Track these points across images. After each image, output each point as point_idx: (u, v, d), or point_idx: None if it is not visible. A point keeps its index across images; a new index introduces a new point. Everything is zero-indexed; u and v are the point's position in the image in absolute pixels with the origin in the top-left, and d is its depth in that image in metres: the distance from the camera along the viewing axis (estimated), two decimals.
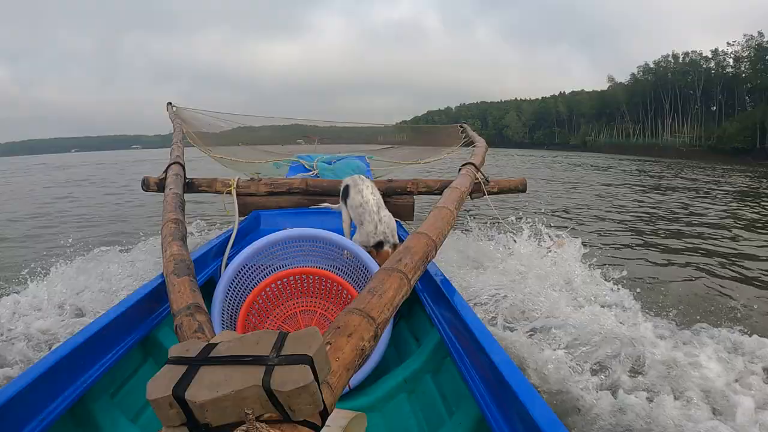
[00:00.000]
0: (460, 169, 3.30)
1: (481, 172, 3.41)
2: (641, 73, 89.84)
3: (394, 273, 1.36)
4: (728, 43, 79.35)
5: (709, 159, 50.63)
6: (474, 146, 4.62)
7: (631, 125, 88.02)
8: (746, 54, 72.38)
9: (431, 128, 9.20)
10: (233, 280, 2.13)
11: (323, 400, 0.83)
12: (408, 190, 3.50)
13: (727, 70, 75.85)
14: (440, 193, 2.77)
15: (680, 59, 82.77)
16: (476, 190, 3.37)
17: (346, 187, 2.66)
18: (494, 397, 1.35)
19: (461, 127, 6.15)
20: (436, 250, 1.73)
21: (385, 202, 3.01)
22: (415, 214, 3.76)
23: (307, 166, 4.66)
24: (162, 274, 1.88)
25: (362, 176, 2.75)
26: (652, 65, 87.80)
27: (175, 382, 0.82)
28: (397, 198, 3.50)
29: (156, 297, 1.93)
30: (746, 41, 71.82)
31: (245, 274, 2.17)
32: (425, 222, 1.91)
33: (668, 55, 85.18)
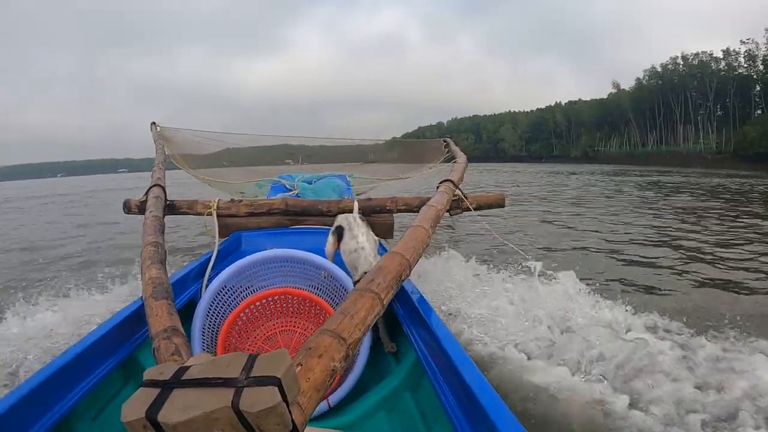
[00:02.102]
0: (438, 186, 3.34)
1: (459, 189, 3.45)
2: (647, 77, 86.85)
3: (367, 293, 1.40)
4: (742, 41, 74.28)
5: (745, 167, 47.73)
6: (455, 161, 4.66)
7: (636, 132, 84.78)
8: (761, 52, 68.96)
9: (415, 143, 9.30)
10: (213, 301, 2.16)
11: (293, 420, 0.87)
12: (387, 208, 3.52)
13: (738, 70, 72.80)
14: (419, 211, 2.79)
15: (690, 60, 79.33)
16: (455, 207, 3.41)
17: (340, 229, 2.62)
18: (466, 414, 1.38)
19: (444, 141, 6.21)
20: (410, 269, 1.77)
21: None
22: (394, 231, 3.79)
23: (287, 186, 4.69)
24: (141, 297, 1.90)
25: (357, 217, 2.72)
26: (659, 69, 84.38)
27: (149, 404, 0.85)
28: (377, 216, 3.52)
29: (136, 320, 1.95)
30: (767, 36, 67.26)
31: (225, 294, 2.20)
32: (400, 241, 1.95)
33: (676, 57, 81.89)
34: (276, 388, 0.85)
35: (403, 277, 1.67)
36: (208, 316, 2.12)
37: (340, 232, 2.60)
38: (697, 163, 58.82)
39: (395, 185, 6.16)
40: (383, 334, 2.31)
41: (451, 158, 5.26)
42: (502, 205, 3.79)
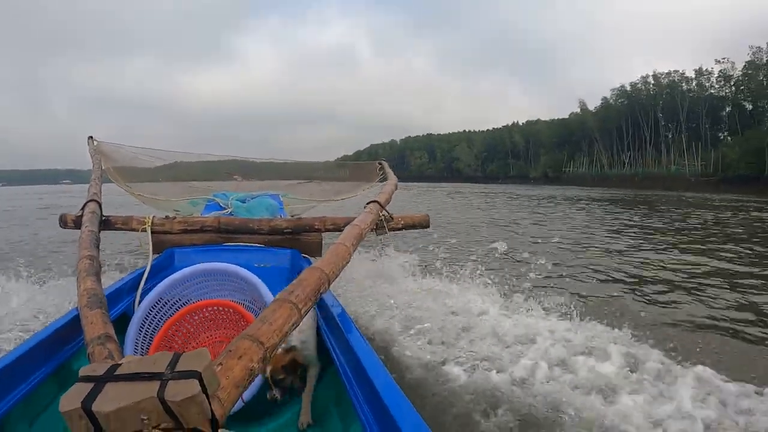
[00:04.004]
0: (365, 207, 3.50)
1: (385, 210, 3.63)
2: (614, 96, 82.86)
3: (285, 303, 1.54)
4: (717, 60, 70.78)
5: (733, 190, 43.97)
6: (385, 183, 4.85)
7: (603, 153, 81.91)
8: (737, 72, 66.43)
9: (353, 165, 9.50)
10: (149, 314, 2.25)
11: (212, 411, 1.01)
12: (316, 227, 3.66)
13: (710, 91, 70.13)
14: None
15: (661, 79, 76.10)
16: (381, 227, 3.58)
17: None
18: (378, 423, 1.49)
19: (380, 164, 6.44)
20: (329, 284, 1.92)
21: (294, 239, 3.16)
22: (323, 250, 3.92)
23: (222, 204, 4.76)
24: (77, 307, 1.98)
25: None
26: (628, 87, 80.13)
27: (84, 396, 0.98)
28: (306, 235, 3.67)
29: (71, 329, 2.02)
30: (752, 53, 63.62)
31: (160, 307, 2.29)
32: (322, 258, 2.11)
33: (647, 76, 78.25)
34: (196, 381, 0.99)
35: (322, 290, 1.82)
36: (142, 327, 2.21)
37: None
38: (680, 186, 53.37)
39: (326, 205, 6.30)
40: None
41: (385, 179, 5.46)
42: (426, 226, 4.00)
